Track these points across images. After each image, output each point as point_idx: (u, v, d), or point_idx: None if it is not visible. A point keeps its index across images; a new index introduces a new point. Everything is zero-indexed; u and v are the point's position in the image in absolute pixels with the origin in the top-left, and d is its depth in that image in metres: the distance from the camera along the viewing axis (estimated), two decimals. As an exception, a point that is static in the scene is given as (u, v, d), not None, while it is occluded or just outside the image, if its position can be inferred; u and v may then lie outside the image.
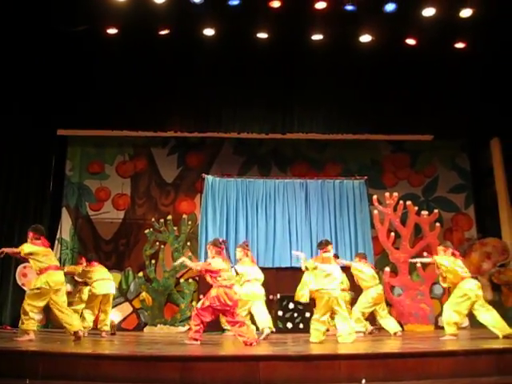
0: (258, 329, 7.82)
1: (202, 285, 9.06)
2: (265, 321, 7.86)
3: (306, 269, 7.20)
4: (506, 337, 6.87)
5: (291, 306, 9.41)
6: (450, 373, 5.12)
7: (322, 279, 6.85)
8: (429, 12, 9.05)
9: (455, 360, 5.25)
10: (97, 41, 9.78)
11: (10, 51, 9.59)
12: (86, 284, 8.54)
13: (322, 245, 7.24)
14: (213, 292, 6.65)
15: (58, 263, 7.19)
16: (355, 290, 8.94)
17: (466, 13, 9.07)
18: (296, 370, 5.10)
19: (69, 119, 10.54)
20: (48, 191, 10.97)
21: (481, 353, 5.45)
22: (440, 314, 9.74)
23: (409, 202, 9.93)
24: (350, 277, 8.67)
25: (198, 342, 6.56)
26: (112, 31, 9.62)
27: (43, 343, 6.68)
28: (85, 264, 8.61)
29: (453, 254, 7.58)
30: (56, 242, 10.95)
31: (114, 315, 9.55)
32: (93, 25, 9.41)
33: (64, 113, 10.41)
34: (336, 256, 8.60)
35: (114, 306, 10.16)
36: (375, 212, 9.96)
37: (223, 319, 7.98)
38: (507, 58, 10.06)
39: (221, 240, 7.12)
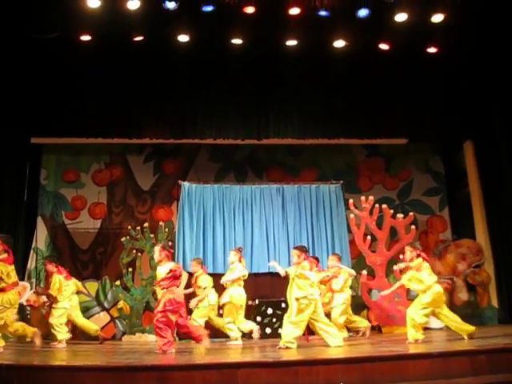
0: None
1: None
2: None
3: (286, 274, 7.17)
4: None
5: (270, 311, 9.43)
6: (426, 375, 5.19)
7: (306, 287, 6.91)
8: (401, 17, 9.14)
9: (430, 362, 5.31)
10: (70, 48, 9.65)
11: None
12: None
13: (306, 251, 7.26)
14: (164, 298, 6.76)
15: (16, 280, 7.33)
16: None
17: (437, 18, 9.20)
18: (275, 376, 5.13)
19: (43, 127, 10.44)
20: (23, 200, 10.83)
21: (455, 354, 5.52)
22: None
23: (384, 206, 10.01)
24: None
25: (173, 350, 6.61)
26: (85, 38, 9.53)
27: (18, 356, 6.60)
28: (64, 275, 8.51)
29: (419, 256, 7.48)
30: (31, 251, 10.83)
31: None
32: (66, 32, 9.30)
33: (38, 121, 10.30)
34: (317, 259, 8.74)
35: (91, 316, 10.15)
36: (351, 216, 10.03)
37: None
38: (478, 62, 10.23)
39: (170, 244, 7.20)
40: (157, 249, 7.11)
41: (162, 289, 6.83)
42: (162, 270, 6.93)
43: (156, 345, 6.81)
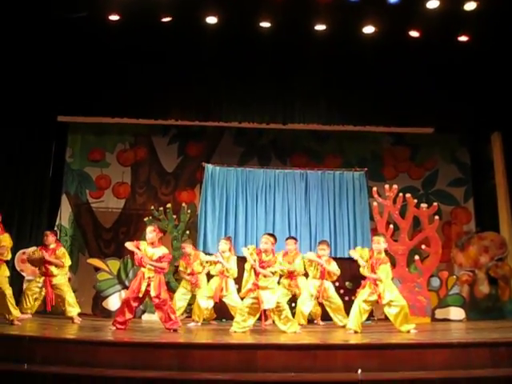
0: None
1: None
2: None
3: None
4: None
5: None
6: (445, 365, 5.17)
7: None
8: (433, 4, 9.01)
9: (450, 352, 5.29)
10: (98, 27, 9.67)
11: (10, 37, 9.56)
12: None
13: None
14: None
15: None
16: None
17: (470, 6, 9.05)
18: (293, 359, 5.17)
19: (69, 106, 10.50)
20: (48, 177, 10.98)
21: (476, 345, 5.49)
22: (438, 307, 9.85)
23: (408, 195, 9.92)
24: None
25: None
26: (114, 18, 9.56)
27: (41, 329, 6.72)
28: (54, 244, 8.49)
29: None
30: (55, 228, 10.98)
31: None
32: (94, 11, 9.33)
33: (65, 99, 10.38)
34: None
35: (112, 294, 10.24)
36: (374, 204, 9.97)
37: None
38: (510, 52, 10.04)
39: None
40: (154, 229, 7.46)
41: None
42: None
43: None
